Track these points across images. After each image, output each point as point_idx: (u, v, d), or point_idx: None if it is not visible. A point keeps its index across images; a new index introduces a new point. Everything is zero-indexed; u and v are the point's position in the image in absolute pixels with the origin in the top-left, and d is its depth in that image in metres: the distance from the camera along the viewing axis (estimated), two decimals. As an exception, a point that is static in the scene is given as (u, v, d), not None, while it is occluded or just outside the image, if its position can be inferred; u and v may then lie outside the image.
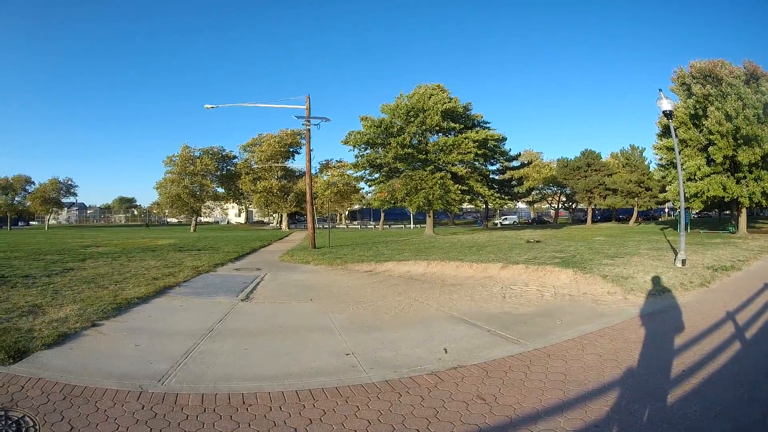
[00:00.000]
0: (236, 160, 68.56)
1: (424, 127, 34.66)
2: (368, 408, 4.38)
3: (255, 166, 63.16)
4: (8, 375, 5.32)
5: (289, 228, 63.12)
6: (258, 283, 12.37)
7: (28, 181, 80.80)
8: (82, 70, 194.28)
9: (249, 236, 38.32)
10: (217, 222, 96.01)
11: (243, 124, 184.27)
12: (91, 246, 25.01)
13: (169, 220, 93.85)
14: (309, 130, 24.22)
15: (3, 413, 4.43)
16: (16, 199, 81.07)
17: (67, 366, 5.61)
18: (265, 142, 62.29)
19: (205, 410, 4.33)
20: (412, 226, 68.10)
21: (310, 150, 25.25)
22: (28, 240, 33.91)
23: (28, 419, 4.31)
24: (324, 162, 67.57)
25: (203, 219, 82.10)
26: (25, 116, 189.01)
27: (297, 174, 64.90)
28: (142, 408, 4.39)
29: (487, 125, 38.82)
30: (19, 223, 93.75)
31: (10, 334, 6.81)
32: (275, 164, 60.04)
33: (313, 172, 29.37)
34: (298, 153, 64.22)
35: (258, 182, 61.30)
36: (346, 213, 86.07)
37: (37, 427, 4.16)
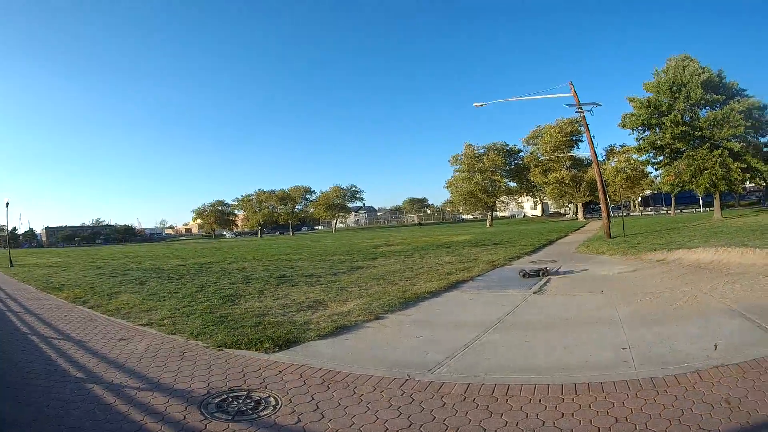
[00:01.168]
0: (522, 153, 76.11)
1: (690, 101, 37.30)
2: (623, 406, 4.72)
3: (542, 158, 69.69)
4: (268, 361, 6.85)
5: (584, 218, 67.45)
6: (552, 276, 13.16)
7: (307, 190, 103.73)
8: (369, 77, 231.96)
9: (545, 228, 40.15)
10: (514, 216, 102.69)
11: (515, 119, 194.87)
12: (382, 245, 29.40)
13: (464, 216, 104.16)
14: (584, 117, 26.02)
15: (245, 393, 5.79)
16: (297, 207, 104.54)
17: (337, 354, 6.94)
18: (546, 133, 68.85)
19: (464, 399, 4.98)
20: (702, 209, 69.60)
21: (591, 136, 26.83)
22: (313, 243, 41.55)
23: (271, 399, 5.53)
24: (608, 148, 71.64)
25: (498, 213, 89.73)
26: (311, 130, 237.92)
27: (585, 162, 68.34)
28: (402, 394, 5.27)
29: (745, 93, 39.07)
30: (303, 228, 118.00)
31: (282, 326, 8.71)
32: (561, 154, 65.56)
33: (599, 159, 31.84)
34: (581, 141, 67.89)
35: (548, 174, 67.20)
36: (639, 199, 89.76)
37: (279, 406, 5.32)
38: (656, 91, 39.08)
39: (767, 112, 39.30)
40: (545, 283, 12.03)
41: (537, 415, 4.58)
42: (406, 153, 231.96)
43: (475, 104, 29.10)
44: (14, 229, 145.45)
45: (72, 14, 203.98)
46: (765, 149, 42.34)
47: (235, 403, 5.60)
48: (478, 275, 13.87)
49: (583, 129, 38.77)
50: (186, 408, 5.56)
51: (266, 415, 5.19)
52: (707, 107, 38.51)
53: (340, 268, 17.30)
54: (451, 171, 77.62)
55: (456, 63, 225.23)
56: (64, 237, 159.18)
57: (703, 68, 37.75)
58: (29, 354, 8.88)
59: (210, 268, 21.45)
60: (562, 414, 4.58)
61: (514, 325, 8.14)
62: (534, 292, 10.93)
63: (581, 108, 25.27)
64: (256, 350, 7.51)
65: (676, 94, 37.67)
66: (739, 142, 37.60)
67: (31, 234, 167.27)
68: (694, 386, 5.05)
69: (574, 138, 68.03)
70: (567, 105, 26.28)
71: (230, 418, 5.21)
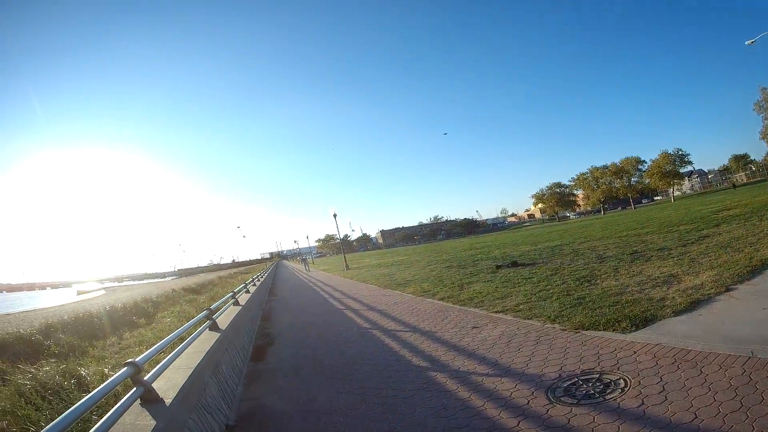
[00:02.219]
0: None
1: None
2: None
3: None
4: (625, 341, 7.09)
5: None
6: None
7: (638, 161, 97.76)
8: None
9: None
10: None
11: None
12: (722, 210, 27.30)
13: None
14: None
15: (597, 376, 6.05)
16: (632, 179, 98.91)
17: (690, 332, 7.00)
18: None
19: None
20: None
21: None
22: (656, 215, 39.44)
23: (621, 381, 5.74)
24: None
25: None
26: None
27: None
28: (742, 374, 5.25)
29: None
30: (643, 201, 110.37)
31: (640, 304, 8.93)
32: None
33: None
34: None
35: None
36: None
37: (627, 388, 5.49)
38: None
39: None
40: None
41: None
42: (713, 104, 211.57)
43: (747, 42, 28.97)
44: (346, 236, 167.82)
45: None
46: None
47: (585, 386, 5.84)
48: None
49: None
50: (532, 393, 5.94)
51: (612, 398, 5.38)
52: None
53: (687, 239, 16.90)
54: (759, 120, 66.56)
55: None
56: (401, 237, 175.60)
57: None
58: (367, 348, 10.14)
59: (561, 250, 22.02)
60: None
61: None
62: None
63: None
64: (613, 331, 7.74)
65: None
66: None
67: (365, 238, 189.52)
68: None
69: None
70: None
71: (575, 402, 5.46)
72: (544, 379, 6.34)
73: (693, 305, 8.21)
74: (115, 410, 4.00)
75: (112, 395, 5.02)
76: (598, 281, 12.07)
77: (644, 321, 7.80)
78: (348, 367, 9.02)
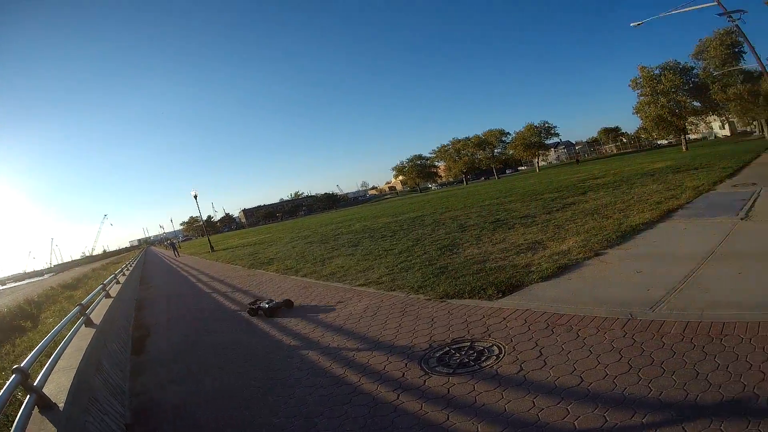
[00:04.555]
0: (695, 70, 69.60)
1: None
2: None
3: (715, 72, 63.33)
4: (493, 308, 7.13)
5: None
6: (755, 200, 12.33)
7: (502, 132, 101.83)
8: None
9: (738, 149, 36.23)
10: (705, 138, 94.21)
11: (675, 36, 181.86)
12: (588, 179, 28.67)
13: (659, 142, 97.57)
14: (737, 25, 25.51)
15: (468, 344, 6.02)
16: (495, 151, 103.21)
17: (560, 296, 7.15)
18: (710, 46, 62.79)
19: (682, 339, 5.00)
20: None
21: (752, 46, 26.37)
22: (519, 184, 41.20)
23: (494, 348, 5.73)
24: None
25: (691, 136, 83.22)
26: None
27: (755, 74, 60.11)
28: (624, 336, 5.32)
29: None
30: (507, 171, 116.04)
31: (505, 271, 9.03)
32: (731, 68, 59.63)
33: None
34: (745, 52, 59.87)
35: (727, 89, 61.25)
36: None
37: (502, 354, 5.49)
38: None
39: None
40: (750, 208, 11.28)
41: (746, 357, 4.41)
42: (589, 82, 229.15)
43: (632, 24, 29.92)
44: (209, 217, 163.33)
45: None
46: None
47: (458, 355, 5.78)
48: (687, 203, 13.34)
49: (741, 39, 36.65)
50: (406, 365, 5.84)
51: (488, 365, 5.34)
52: None
53: (552, 206, 17.47)
54: (634, 96, 72.72)
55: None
56: (264, 215, 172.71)
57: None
58: (240, 333, 9.77)
59: (422, 221, 22.40)
60: None
61: (726, 255, 7.82)
62: (741, 219, 10.33)
63: (730, 16, 24.76)
64: (479, 298, 7.78)
65: None
66: None
67: (228, 218, 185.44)
68: None
69: (737, 50, 61.28)
70: (717, 14, 25.72)
71: (451, 371, 5.40)
72: (415, 350, 6.27)
73: (561, 270, 8.43)
74: (17, 424, 3.79)
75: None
76: (461, 250, 12.27)
77: (511, 287, 7.90)
78: (225, 353, 8.70)
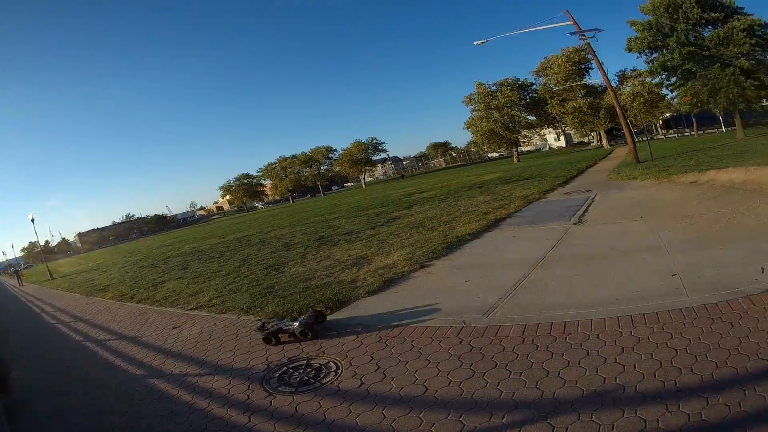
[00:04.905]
0: (534, 86, 75.20)
1: (690, 21, 37.72)
2: (681, 336, 4.62)
3: (555, 88, 68.77)
4: (322, 326, 6.80)
5: (609, 145, 67.70)
6: (589, 205, 13.06)
7: (329, 150, 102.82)
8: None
9: (572, 159, 39.56)
10: (538, 149, 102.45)
11: (518, 54, 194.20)
12: (415, 193, 29.14)
13: (490, 155, 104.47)
14: (589, 44, 26.24)
15: (305, 362, 5.77)
16: (322, 168, 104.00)
17: (389, 309, 6.89)
18: (554, 63, 67.87)
19: (523, 341, 4.93)
20: (723, 129, 67.40)
21: (600, 62, 27.32)
22: (345, 200, 41.56)
23: (331, 364, 5.54)
24: (620, 72, 70.60)
25: (523, 148, 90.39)
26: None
27: (599, 89, 67.08)
28: (460, 343, 5.24)
29: (742, 11, 38.82)
30: (333, 188, 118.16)
31: (330, 288, 8.74)
32: (574, 83, 64.73)
33: (612, 85, 32.13)
34: (591, 68, 67.01)
35: (565, 103, 66.42)
36: (660, 122, 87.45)
37: (340, 370, 5.31)
38: (653, 13, 39.16)
39: None
40: (583, 213, 11.89)
41: (598, 351, 4.52)
42: (421, 99, 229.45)
43: (476, 42, 28.95)
44: (47, 242, 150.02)
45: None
46: None
47: (296, 373, 5.58)
48: (516, 212, 13.78)
49: (590, 56, 39.61)
50: (249, 387, 5.57)
51: (329, 381, 5.18)
52: (709, 26, 38.49)
53: (377, 221, 17.29)
54: (467, 112, 77.34)
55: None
56: (98, 239, 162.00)
57: (698, -14, 37.50)
58: (86, 360, 9.05)
59: (249, 241, 21.68)
60: (623, 349, 4.52)
61: (559, 259, 8.04)
62: (574, 224, 10.81)
63: (584, 35, 25.46)
64: None
65: (674, 15, 37.88)
66: (748, 60, 37.02)
67: (65, 243, 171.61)
68: (747, 312, 4.90)
69: (583, 66, 67.44)
70: (569, 33, 26.33)
71: (294, 390, 5.21)
72: (254, 371, 6.02)
73: (387, 284, 8.31)
74: None
75: None
76: (287, 269, 12.02)
77: (338, 303, 7.73)
78: (79, 387, 7.59)
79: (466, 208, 15.88)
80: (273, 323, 7.21)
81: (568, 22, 25.50)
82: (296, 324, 6.77)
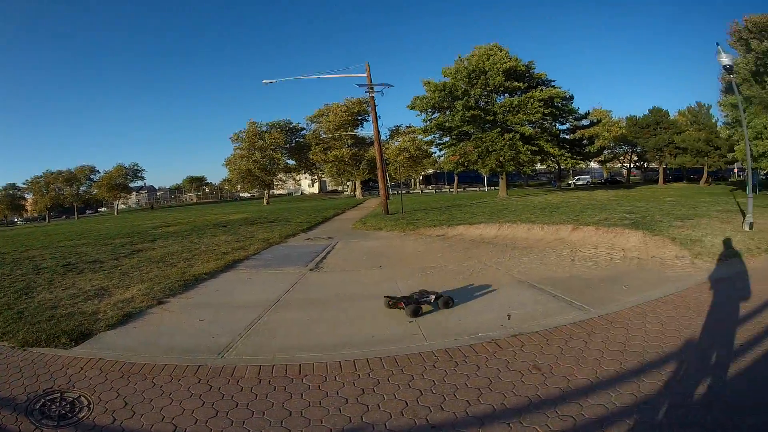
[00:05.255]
0: (304, 132, 78.00)
1: (488, 88, 40.17)
2: (423, 378, 4.97)
3: (324, 136, 71.19)
4: (69, 357, 6.48)
5: (362, 195, 70.67)
6: (328, 252, 13.69)
7: (92, 170, 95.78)
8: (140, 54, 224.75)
9: (322, 206, 41.11)
10: (291, 194, 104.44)
11: (307, 97, 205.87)
12: (161, 226, 27.92)
13: (241, 195, 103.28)
14: (372, 97, 26.45)
15: (59, 395, 5.46)
16: (81, 188, 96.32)
17: (129, 345, 6.74)
18: (332, 111, 70.20)
19: (260, 382, 5.10)
20: (486, 188, 75.44)
21: (376, 116, 27.45)
22: (96, 227, 37.88)
23: (83, 399, 5.28)
24: (394, 128, 75.54)
25: (276, 192, 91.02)
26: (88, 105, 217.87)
27: (368, 141, 70.91)
28: (199, 382, 5.27)
29: (552, 83, 43.19)
30: (87, 212, 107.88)
31: (74, 318, 8.20)
32: (344, 133, 67.59)
33: (383, 138, 34.00)
34: (367, 121, 70.31)
35: (329, 152, 69.18)
36: (420, 178, 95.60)
37: (92, 405, 5.11)
38: (454, 76, 41.00)
39: (571, 102, 43.60)
40: (321, 260, 12.46)
41: (337, 392, 4.74)
42: (186, 130, 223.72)
43: (264, 81, 28.66)
44: None
45: None
46: (561, 135, 46.23)
47: (54, 406, 5.26)
48: (254, 254, 14.09)
49: (369, 109, 41.67)
50: (17, 419, 5.04)
51: (84, 416, 4.97)
52: (506, 94, 41.37)
53: (121, 252, 16.45)
54: (231, 148, 78.45)
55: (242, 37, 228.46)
56: None
57: (511, 58, 40.31)
58: None
59: (3, 259, 19.00)
60: (363, 390, 4.77)
61: (294, 303, 8.42)
62: (310, 269, 11.33)
63: (372, 88, 25.86)
64: (55, 346, 7.01)
65: (474, 81, 40.10)
66: (533, 128, 40.54)
67: None
68: (494, 355, 5.38)
69: (360, 117, 70.56)
70: (358, 85, 26.59)
71: (56, 424, 4.92)
72: (18, 402, 5.44)
73: (126, 318, 8.07)
74: None
75: None
76: (35, 294, 10.80)
77: (81, 335, 7.30)
78: None
79: (207, 247, 15.91)
80: (421, 296, 7.64)
81: (364, 74, 25.93)
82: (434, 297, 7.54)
